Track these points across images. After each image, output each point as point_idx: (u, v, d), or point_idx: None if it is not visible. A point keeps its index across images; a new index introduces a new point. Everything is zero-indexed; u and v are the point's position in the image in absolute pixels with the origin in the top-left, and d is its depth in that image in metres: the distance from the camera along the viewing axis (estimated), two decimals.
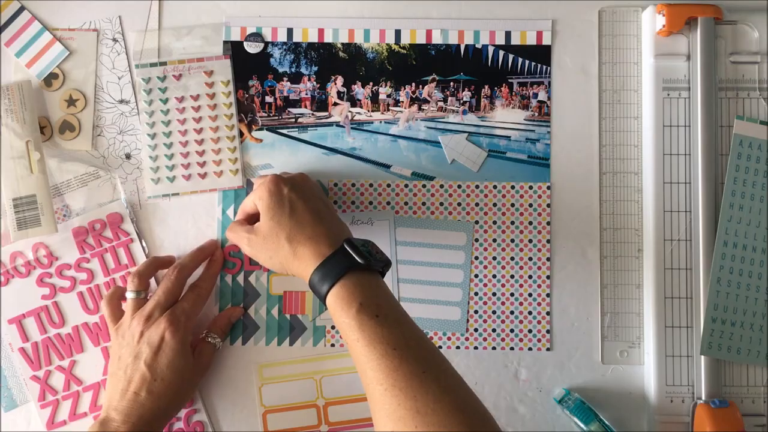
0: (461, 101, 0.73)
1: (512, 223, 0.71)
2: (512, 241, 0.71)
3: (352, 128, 0.73)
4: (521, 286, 0.71)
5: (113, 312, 0.66)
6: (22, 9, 0.72)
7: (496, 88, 0.73)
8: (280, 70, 0.73)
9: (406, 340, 0.54)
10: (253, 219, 0.65)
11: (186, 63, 0.68)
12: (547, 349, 0.70)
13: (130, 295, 0.65)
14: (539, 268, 0.71)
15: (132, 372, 0.62)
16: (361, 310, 0.55)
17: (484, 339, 0.71)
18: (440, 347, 0.70)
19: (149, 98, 0.70)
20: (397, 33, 0.73)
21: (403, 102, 0.73)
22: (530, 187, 0.71)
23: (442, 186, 0.72)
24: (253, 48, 0.73)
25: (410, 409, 0.51)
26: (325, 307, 0.61)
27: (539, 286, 0.71)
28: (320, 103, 0.73)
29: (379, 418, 0.53)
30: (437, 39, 0.73)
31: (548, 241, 0.71)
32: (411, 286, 0.70)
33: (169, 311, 0.64)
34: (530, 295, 0.71)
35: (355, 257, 0.57)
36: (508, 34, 0.73)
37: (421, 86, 0.73)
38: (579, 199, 0.71)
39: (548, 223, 0.71)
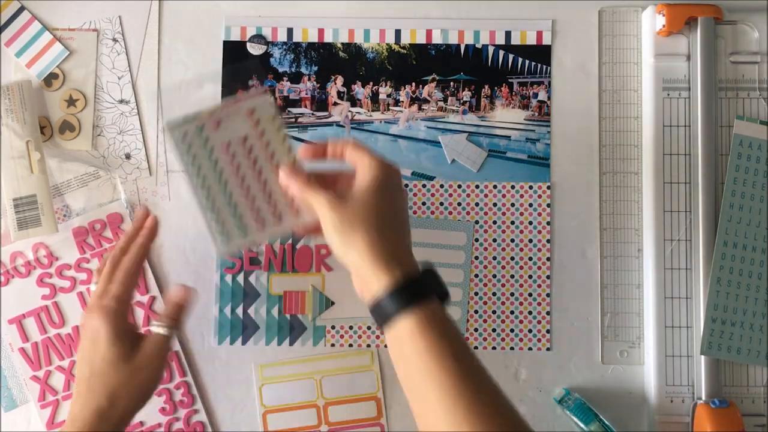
0: (461, 101, 0.73)
1: (512, 222, 0.71)
2: (512, 240, 0.71)
3: (352, 128, 0.73)
4: (521, 286, 0.71)
5: None
6: (22, 9, 0.72)
7: (496, 87, 0.73)
8: (280, 69, 0.73)
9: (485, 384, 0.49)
10: (323, 180, 0.57)
11: (221, 109, 0.60)
12: (547, 349, 0.70)
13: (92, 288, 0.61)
14: (539, 268, 0.71)
15: (78, 370, 0.58)
16: (453, 344, 0.49)
17: (484, 339, 0.71)
18: None
19: (191, 154, 0.60)
20: (397, 33, 0.73)
21: (403, 102, 0.73)
22: (530, 187, 0.71)
23: (442, 186, 0.72)
24: (256, 50, 0.73)
25: None
26: (371, 319, 0.54)
27: (539, 286, 0.71)
28: (320, 103, 0.73)
29: None
30: (437, 39, 0.73)
31: (548, 241, 0.71)
32: None
33: (95, 296, 0.59)
34: (530, 295, 0.71)
35: (442, 290, 0.52)
36: (508, 34, 0.73)
37: (421, 86, 0.73)
38: (579, 199, 0.71)
39: (548, 223, 0.71)
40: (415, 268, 0.52)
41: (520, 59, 0.73)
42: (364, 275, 0.52)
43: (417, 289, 0.51)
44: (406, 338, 0.49)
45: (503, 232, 0.71)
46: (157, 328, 0.59)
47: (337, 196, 0.53)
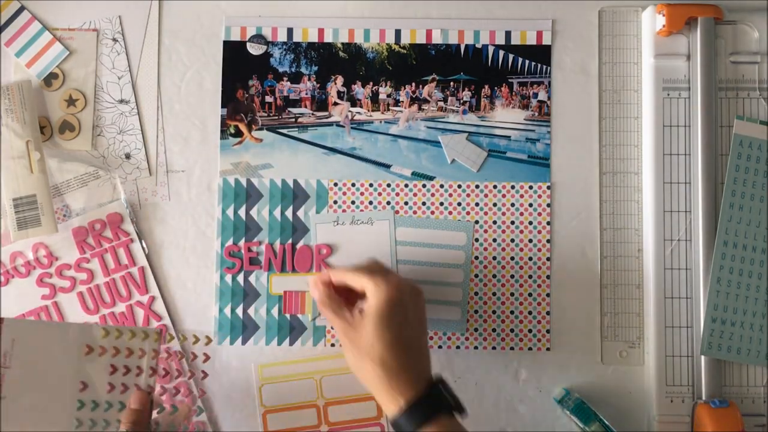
0: (461, 101, 0.73)
1: (512, 222, 0.71)
2: (512, 240, 0.71)
3: (352, 128, 0.73)
4: (521, 285, 0.71)
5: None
6: (22, 9, 0.72)
7: (496, 87, 0.73)
8: (280, 69, 0.73)
9: None
10: (346, 294, 0.62)
11: None
12: (547, 349, 0.70)
13: None
14: (539, 268, 0.71)
15: None
16: None
17: (484, 339, 0.70)
18: (440, 347, 0.70)
19: None
20: (397, 33, 0.73)
21: (403, 102, 0.73)
22: (530, 187, 0.71)
23: (442, 186, 0.72)
24: (255, 50, 0.73)
25: None
26: None
27: (539, 285, 0.71)
28: (320, 103, 0.73)
29: None
30: (437, 39, 0.73)
31: (548, 241, 0.71)
32: None
33: None
34: (530, 294, 0.71)
35: (451, 402, 0.57)
36: (508, 34, 0.73)
37: (421, 86, 0.73)
38: (579, 199, 0.71)
39: (548, 223, 0.71)
40: (421, 390, 0.57)
41: (520, 59, 0.73)
42: (378, 400, 0.58)
43: (421, 412, 0.56)
44: None
45: (503, 232, 0.71)
46: None
47: (348, 323, 0.59)
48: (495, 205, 0.71)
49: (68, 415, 0.62)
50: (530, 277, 0.71)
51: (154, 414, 0.64)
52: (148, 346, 0.64)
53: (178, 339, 0.70)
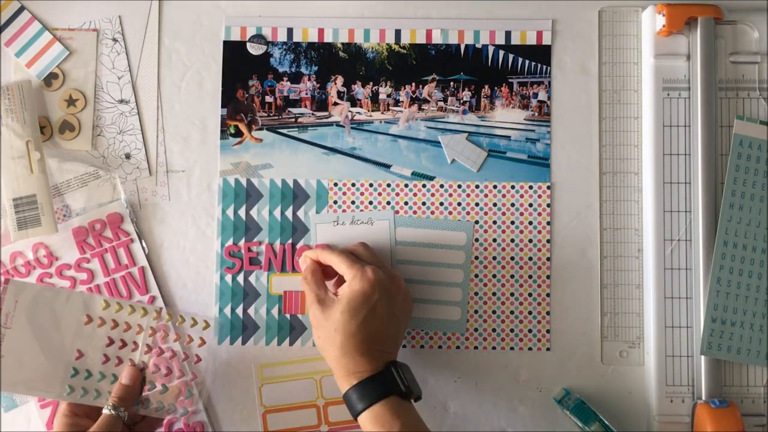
0: (461, 101, 0.73)
1: (512, 223, 0.71)
2: (512, 241, 0.71)
3: (352, 128, 0.73)
4: (521, 286, 0.71)
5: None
6: (22, 9, 0.72)
7: (496, 87, 0.73)
8: (280, 69, 0.73)
9: None
10: (328, 273, 0.66)
11: None
12: (547, 349, 0.70)
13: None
14: (539, 268, 0.71)
15: None
16: None
17: (484, 339, 0.71)
18: (440, 347, 0.70)
19: None
20: (397, 33, 0.73)
21: (403, 102, 0.73)
22: (530, 187, 0.71)
23: (442, 186, 0.72)
24: (255, 50, 0.73)
25: None
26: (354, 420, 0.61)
27: (539, 286, 0.71)
28: (320, 103, 0.73)
29: None
30: (437, 39, 0.73)
31: (548, 241, 0.71)
32: (411, 286, 0.70)
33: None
34: (530, 295, 0.71)
35: (400, 385, 0.60)
36: (508, 34, 0.73)
37: (421, 86, 0.73)
38: (579, 199, 0.71)
39: (548, 223, 0.71)
40: (371, 373, 0.60)
41: (520, 59, 0.73)
42: (335, 376, 0.62)
43: (373, 389, 0.59)
44: (364, 427, 0.60)
45: (503, 232, 0.71)
46: (105, 409, 0.63)
47: (319, 303, 0.63)
48: (495, 205, 0.71)
49: (62, 381, 0.64)
50: (530, 277, 0.71)
51: (145, 391, 0.66)
52: (146, 323, 0.66)
53: (174, 323, 0.69)
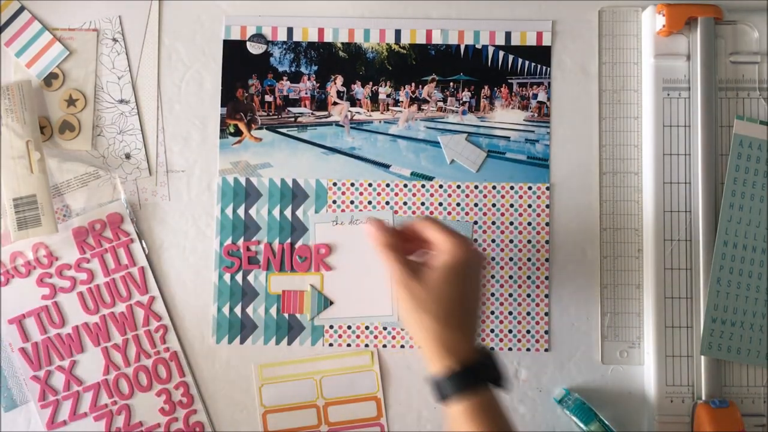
0: (461, 101, 0.73)
1: (511, 223, 0.71)
2: (511, 241, 0.71)
3: (351, 128, 0.73)
4: (520, 287, 0.71)
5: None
6: (22, 9, 0.72)
7: (495, 88, 0.73)
8: (280, 69, 0.73)
9: None
10: (408, 245, 0.60)
11: None
12: (545, 350, 0.70)
13: None
14: (538, 269, 0.71)
15: None
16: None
17: (483, 339, 0.70)
18: None
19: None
20: (397, 33, 0.73)
21: (402, 102, 0.73)
22: (529, 188, 0.71)
23: (441, 186, 0.72)
24: (255, 49, 0.73)
25: None
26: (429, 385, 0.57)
27: (537, 287, 0.71)
28: (320, 103, 0.73)
29: None
30: (437, 39, 0.73)
31: (547, 242, 0.71)
32: None
33: None
34: (528, 296, 0.71)
35: (501, 378, 0.56)
36: (508, 35, 0.73)
37: (420, 86, 0.73)
38: (579, 199, 0.71)
39: (547, 224, 0.71)
40: (473, 355, 0.55)
41: (520, 60, 0.73)
42: (426, 354, 0.56)
43: (469, 379, 0.54)
44: (458, 419, 0.54)
45: (502, 233, 0.71)
46: None
47: (411, 272, 0.57)
48: (494, 205, 0.71)
49: None
50: (529, 278, 0.71)
51: None
52: None
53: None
